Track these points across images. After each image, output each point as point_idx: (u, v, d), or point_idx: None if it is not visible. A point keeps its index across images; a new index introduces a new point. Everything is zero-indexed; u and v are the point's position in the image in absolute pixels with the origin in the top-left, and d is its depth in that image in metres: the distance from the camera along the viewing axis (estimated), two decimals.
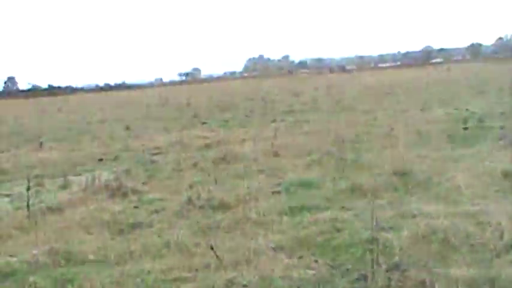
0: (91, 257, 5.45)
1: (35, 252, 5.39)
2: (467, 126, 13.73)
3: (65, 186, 9.70)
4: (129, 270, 4.96)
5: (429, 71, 66.66)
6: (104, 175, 10.31)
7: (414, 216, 6.03)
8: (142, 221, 6.79)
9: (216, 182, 8.53)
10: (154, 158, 12.04)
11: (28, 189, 7.46)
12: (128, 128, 19.74)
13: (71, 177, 10.49)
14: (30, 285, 4.72)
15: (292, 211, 6.69)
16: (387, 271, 4.45)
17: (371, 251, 4.89)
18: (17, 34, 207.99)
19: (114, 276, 4.81)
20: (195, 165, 10.41)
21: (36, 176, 10.81)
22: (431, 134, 12.36)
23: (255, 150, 11.24)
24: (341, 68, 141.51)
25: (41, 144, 15.77)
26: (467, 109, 17.70)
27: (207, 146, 13.08)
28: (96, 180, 9.11)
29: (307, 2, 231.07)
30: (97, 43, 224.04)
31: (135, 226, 6.59)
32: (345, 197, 7.33)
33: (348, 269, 4.74)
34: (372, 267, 4.47)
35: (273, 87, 51.31)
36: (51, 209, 7.60)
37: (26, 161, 12.94)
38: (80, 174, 10.99)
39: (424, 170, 8.28)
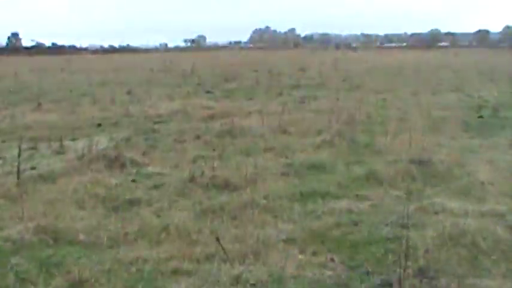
0: (82, 237, 4.94)
1: (20, 228, 4.88)
2: (481, 114, 13.20)
3: (60, 152, 9.17)
4: (123, 257, 4.46)
5: (436, 54, 65.87)
6: (102, 142, 9.80)
7: (437, 212, 5.53)
8: (140, 197, 6.26)
9: (220, 157, 8.01)
10: (156, 126, 11.48)
11: (19, 154, 6.90)
12: (129, 93, 19.14)
13: (67, 142, 9.98)
14: (11, 268, 4.21)
15: (304, 197, 6.18)
16: (414, 277, 3.95)
17: (393, 251, 4.41)
18: None
19: (106, 263, 4.31)
20: (198, 137, 9.86)
21: (31, 139, 10.30)
22: (446, 121, 11.84)
23: (262, 125, 10.70)
24: (347, 45, 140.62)
25: (39, 104, 15.20)
26: (479, 96, 17.14)
27: (211, 117, 12.50)
28: (94, 148, 8.56)
29: None
30: (104, 3, 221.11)
31: (132, 203, 6.06)
32: (360, 184, 6.82)
33: (368, 272, 4.23)
34: (396, 271, 3.96)
35: (279, 59, 50.57)
36: (43, 177, 7.09)
37: (22, 122, 12.40)
38: (77, 139, 10.47)
39: (442, 160, 7.72)
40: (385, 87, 20.29)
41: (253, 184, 6.44)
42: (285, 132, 10.33)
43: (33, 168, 7.68)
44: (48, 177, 7.09)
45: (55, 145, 9.53)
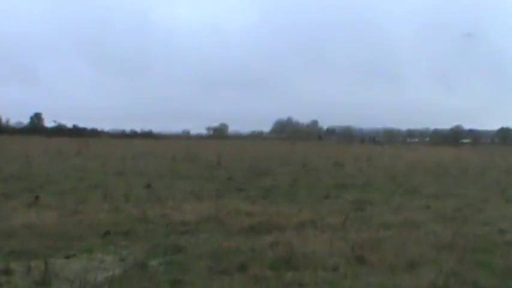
0: None
1: None
2: None
3: (41, 283, 6.23)
4: None
5: (467, 151, 63.14)
6: (107, 264, 6.91)
7: None
8: None
9: None
10: (181, 241, 8.48)
11: None
12: (148, 186, 16.39)
13: (58, 261, 7.09)
14: None
15: None
16: None
17: None
18: (50, 69, 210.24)
19: None
20: (243, 267, 6.83)
21: (9, 254, 7.44)
22: None
23: (327, 248, 7.70)
24: (371, 138, 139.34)
25: (36, 198, 12.41)
26: None
27: (253, 229, 9.52)
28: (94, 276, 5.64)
29: (336, 70, 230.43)
30: (126, 88, 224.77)
31: None
32: None
33: None
34: None
35: (307, 152, 48.12)
36: None
37: (8, 224, 9.55)
38: (73, 257, 7.56)
39: None
40: (444, 190, 17.33)
41: None
42: (362, 261, 7.29)
43: None
44: None
45: (37, 271, 6.59)
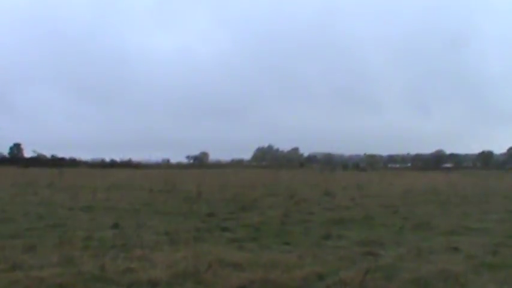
0: None
1: None
2: None
3: None
4: None
5: (455, 177, 61.38)
6: None
7: None
8: None
9: None
10: None
11: None
12: (116, 226, 13.94)
13: None
14: None
15: None
16: None
17: None
18: (28, 100, 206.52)
19: None
20: None
21: None
22: None
23: None
24: (355, 165, 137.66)
25: None
26: None
27: None
28: None
29: (314, 97, 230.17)
30: (106, 119, 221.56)
31: None
32: None
33: None
34: None
35: (291, 180, 45.86)
36: None
37: None
38: None
39: None
40: (457, 223, 15.20)
41: None
42: None
43: None
44: None
45: None
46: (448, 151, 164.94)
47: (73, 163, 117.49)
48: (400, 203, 22.55)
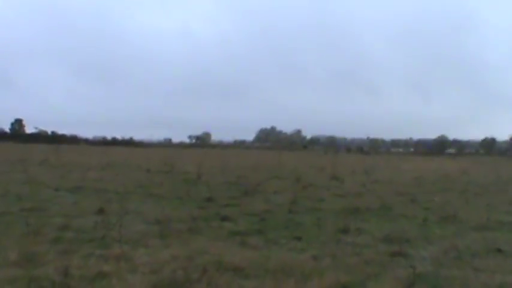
0: None
1: None
2: None
3: None
4: None
5: (464, 162, 59.54)
6: None
7: None
8: None
9: None
10: None
11: None
12: (101, 212, 12.17)
13: None
14: None
15: None
16: None
17: None
18: (31, 77, 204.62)
19: None
20: None
21: None
22: None
23: None
24: (359, 148, 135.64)
25: None
26: None
27: None
28: None
29: (317, 80, 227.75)
30: (109, 97, 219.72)
31: None
32: None
33: None
34: None
35: (296, 163, 44.09)
36: None
37: None
38: None
39: None
40: (487, 217, 13.39)
41: None
42: None
43: None
44: None
45: None
46: (450, 137, 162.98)
47: (74, 140, 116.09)
48: (415, 191, 20.76)
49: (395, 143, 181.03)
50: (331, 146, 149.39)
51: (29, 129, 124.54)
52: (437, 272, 7.26)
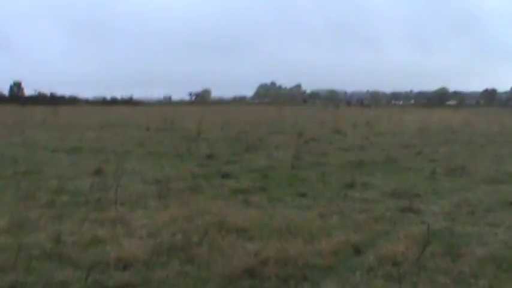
0: None
1: None
2: None
3: None
4: None
5: (466, 113, 58.89)
6: None
7: None
8: None
9: None
10: None
11: None
12: (98, 172, 11.77)
13: None
14: None
15: None
16: None
17: None
18: (28, 39, 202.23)
19: None
20: None
21: None
22: None
23: None
24: (359, 101, 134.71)
25: None
26: None
27: (253, 275, 5.03)
28: None
29: (316, 34, 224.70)
30: (106, 57, 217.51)
31: None
32: None
33: None
34: None
35: (296, 117, 43.54)
36: None
37: None
38: None
39: None
40: (496, 169, 13.02)
41: None
42: None
43: None
44: None
45: None
46: (451, 89, 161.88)
47: (73, 101, 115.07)
48: (419, 143, 20.37)
49: (395, 96, 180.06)
50: (331, 99, 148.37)
51: (28, 92, 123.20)
52: (451, 228, 6.87)
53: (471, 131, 28.45)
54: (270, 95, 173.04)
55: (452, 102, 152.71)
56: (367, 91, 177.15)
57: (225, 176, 11.43)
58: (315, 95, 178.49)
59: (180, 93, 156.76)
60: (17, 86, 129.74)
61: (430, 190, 10.01)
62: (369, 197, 9.19)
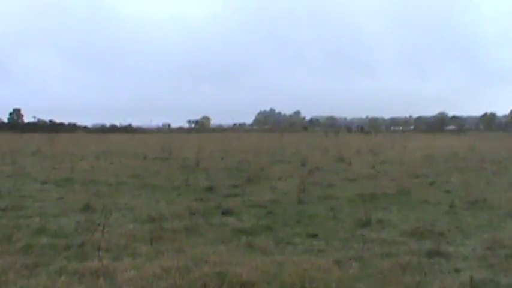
0: None
1: None
2: None
3: None
4: None
5: (469, 139, 57.96)
6: None
7: None
8: None
9: None
10: None
11: None
12: (87, 208, 10.75)
13: None
14: None
15: None
16: None
17: None
18: (28, 66, 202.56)
19: None
20: None
21: None
22: None
23: None
24: (359, 128, 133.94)
25: None
26: None
27: None
28: None
29: (314, 62, 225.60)
30: (107, 85, 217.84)
31: None
32: None
33: None
34: None
35: (298, 144, 42.55)
36: None
37: None
38: None
39: None
40: None
41: None
42: None
43: None
44: None
45: None
46: (450, 113, 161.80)
47: (72, 128, 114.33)
48: (429, 172, 19.37)
49: (394, 121, 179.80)
50: (331, 126, 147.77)
51: (27, 119, 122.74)
52: (495, 279, 5.83)
53: (479, 157, 27.43)
54: (270, 122, 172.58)
55: (452, 127, 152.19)
56: (366, 117, 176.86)
57: (226, 212, 10.40)
58: (314, 122, 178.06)
59: (179, 121, 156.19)
60: (16, 113, 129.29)
61: (453, 227, 9.00)
62: (387, 238, 8.15)
